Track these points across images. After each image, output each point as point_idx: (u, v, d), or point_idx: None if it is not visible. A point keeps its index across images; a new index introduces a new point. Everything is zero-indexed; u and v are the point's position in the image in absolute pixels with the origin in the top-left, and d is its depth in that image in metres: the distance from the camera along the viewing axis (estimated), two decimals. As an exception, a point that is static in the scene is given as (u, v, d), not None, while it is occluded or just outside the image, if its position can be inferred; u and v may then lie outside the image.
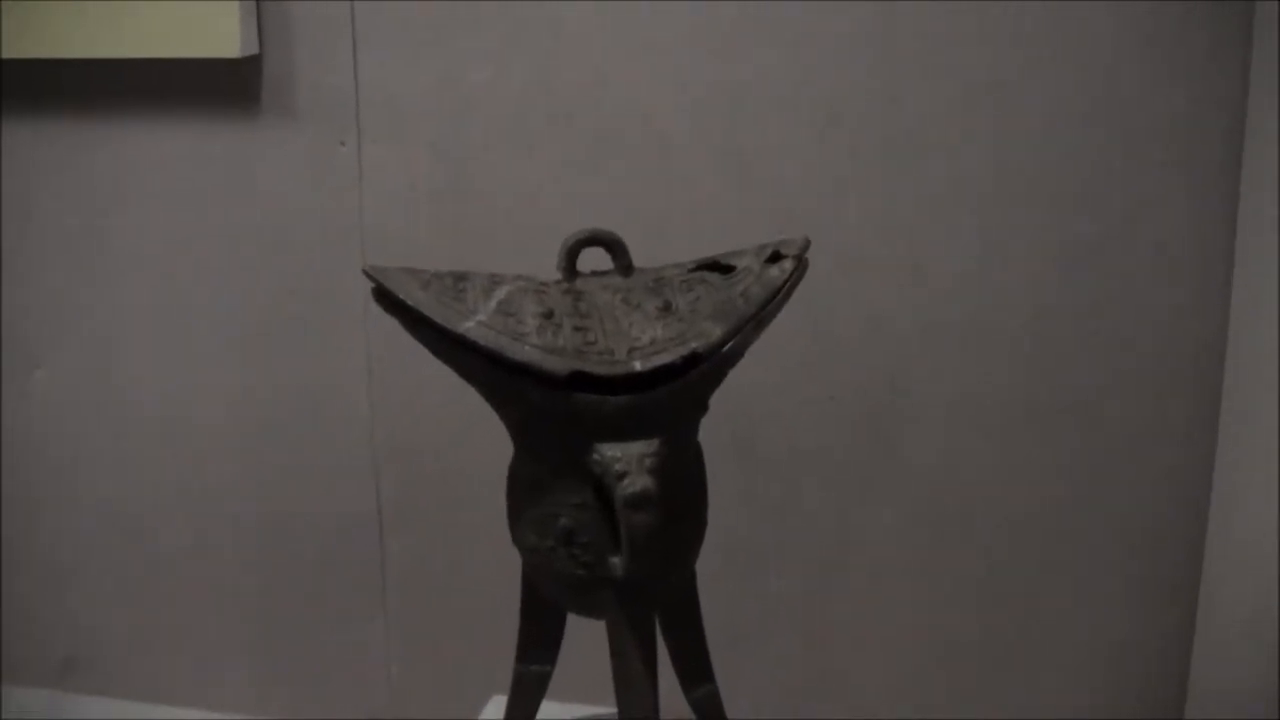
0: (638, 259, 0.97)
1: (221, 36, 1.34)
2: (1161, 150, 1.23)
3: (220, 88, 1.40)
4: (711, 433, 0.98)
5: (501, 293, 0.90)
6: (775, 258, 0.95)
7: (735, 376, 0.97)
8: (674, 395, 0.90)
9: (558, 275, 0.95)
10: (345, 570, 1.50)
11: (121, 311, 1.49)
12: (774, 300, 0.93)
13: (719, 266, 0.96)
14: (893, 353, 1.32)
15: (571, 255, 0.95)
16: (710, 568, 1.03)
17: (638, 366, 0.89)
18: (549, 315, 0.89)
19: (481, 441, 1.05)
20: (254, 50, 1.37)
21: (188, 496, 1.52)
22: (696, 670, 1.05)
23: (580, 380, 0.88)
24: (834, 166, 1.29)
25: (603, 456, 0.87)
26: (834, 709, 1.42)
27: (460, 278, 0.91)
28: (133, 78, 1.41)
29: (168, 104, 1.42)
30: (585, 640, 1.04)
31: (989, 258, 1.28)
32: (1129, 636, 1.34)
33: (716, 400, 0.97)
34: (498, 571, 1.10)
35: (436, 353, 0.91)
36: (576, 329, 0.89)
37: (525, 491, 0.94)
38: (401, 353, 1.06)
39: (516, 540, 0.97)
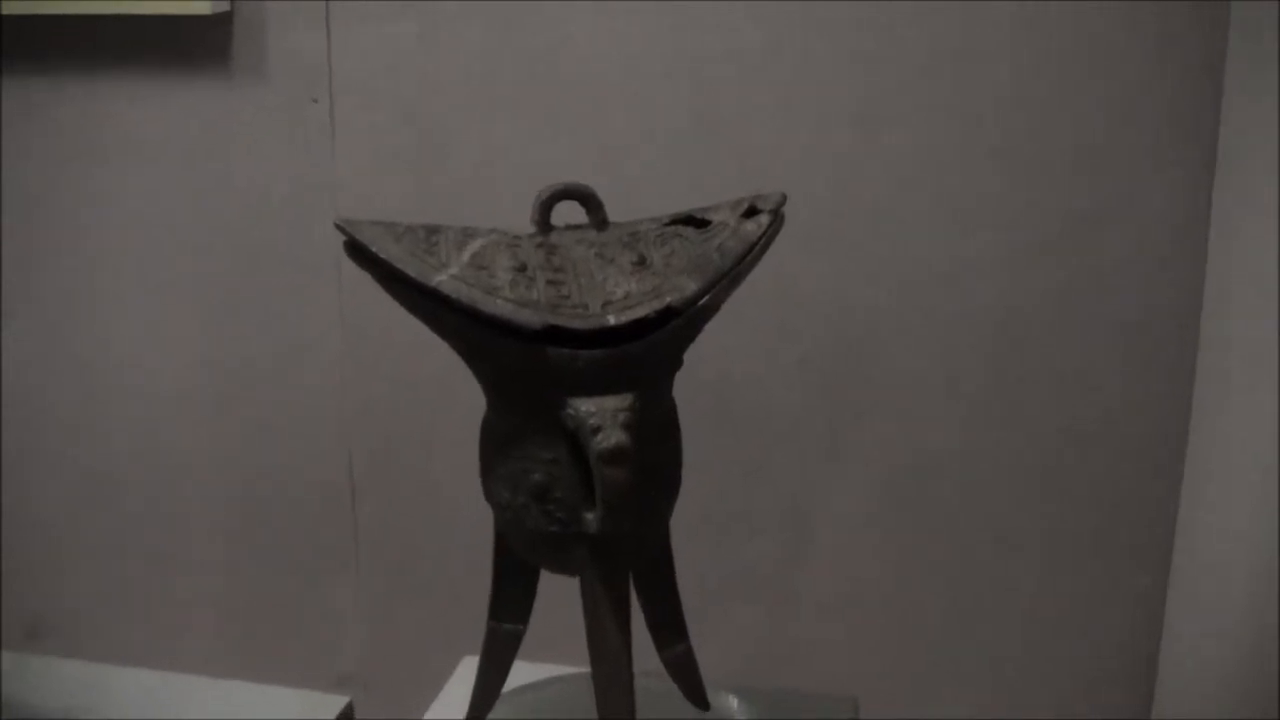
0: (611, 217, 0.97)
1: (192, -7, 1.33)
2: (1140, 127, 1.23)
3: (191, 45, 1.38)
4: (685, 397, 0.98)
5: (475, 246, 0.89)
6: (751, 212, 0.94)
7: (708, 341, 0.96)
8: (648, 350, 0.89)
9: (531, 229, 0.94)
10: (316, 531, 1.49)
11: (89, 267, 1.47)
12: (749, 255, 0.92)
13: (694, 221, 0.95)
14: (864, 320, 1.32)
15: (545, 208, 0.94)
16: (682, 531, 1.03)
17: (612, 320, 0.88)
18: (522, 269, 0.89)
19: (454, 402, 1.05)
20: (225, 7, 1.35)
21: (157, 456, 1.51)
22: (671, 629, 1.05)
23: (554, 334, 0.87)
24: (803, 132, 1.28)
25: (576, 411, 0.86)
26: (803, 672, 1.43)
27: (433, 230, 0.90)
28: (102, 34, 1.39)
29: (138, 61, 1.40)
30: (558, 599, 1.03)
31: (962, 226, 1.28)
32: (1098, 611, 1.35)
33: (690, 364, 0.96)
34: (469, 533, 1.10)
35: (409, 307, 0.90)
36: (550, 283, 0.89)
37: (498, 446, 0.94)
38: (374, 311, 1.05)
39: (489, 496, 0.96)
